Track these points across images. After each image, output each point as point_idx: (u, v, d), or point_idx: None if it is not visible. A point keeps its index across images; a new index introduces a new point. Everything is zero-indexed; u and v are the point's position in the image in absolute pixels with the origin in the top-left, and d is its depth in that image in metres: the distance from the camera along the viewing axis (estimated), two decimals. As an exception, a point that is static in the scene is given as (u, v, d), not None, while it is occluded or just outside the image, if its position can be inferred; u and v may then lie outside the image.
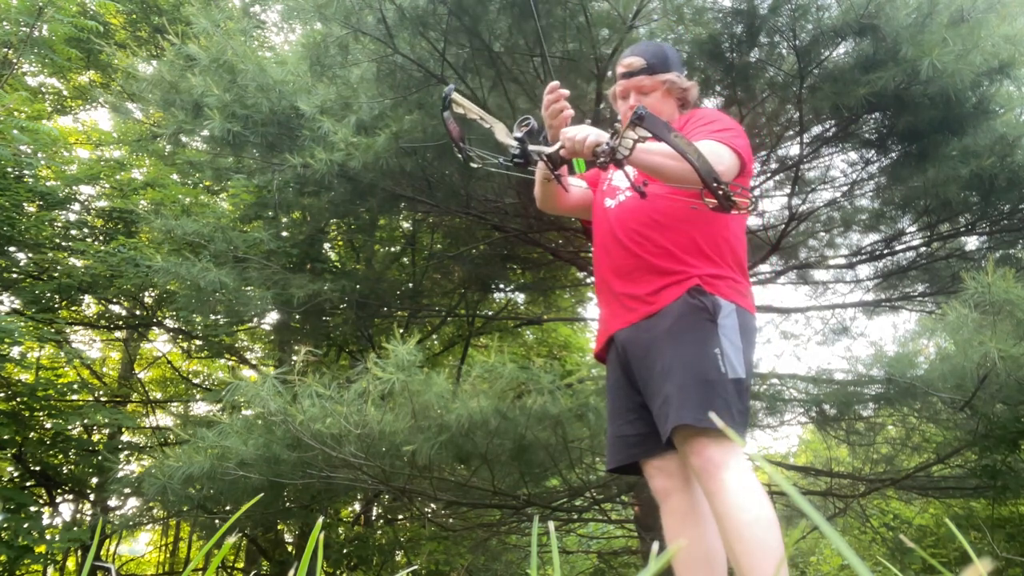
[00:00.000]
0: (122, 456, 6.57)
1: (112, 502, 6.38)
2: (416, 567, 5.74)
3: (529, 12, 3.62)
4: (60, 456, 6.01)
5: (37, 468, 5.95)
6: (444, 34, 3.73)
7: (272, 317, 6.36)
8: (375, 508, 7.41)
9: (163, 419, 8.19)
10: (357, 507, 7.52)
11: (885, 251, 4.92)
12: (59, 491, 6.54)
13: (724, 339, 1.73)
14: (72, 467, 6.23)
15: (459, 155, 1.92)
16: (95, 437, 6.82)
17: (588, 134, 1.73)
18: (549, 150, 1.83)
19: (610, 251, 1.95)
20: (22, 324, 5.18)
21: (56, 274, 5.99)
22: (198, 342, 7.44)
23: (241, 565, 8.00)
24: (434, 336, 7.06)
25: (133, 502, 6.13)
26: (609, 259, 1.95)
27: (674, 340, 1.74)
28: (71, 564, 7.17)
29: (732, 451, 1.65)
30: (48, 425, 5.71)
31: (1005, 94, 3.97)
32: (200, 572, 5.70)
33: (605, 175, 2.10)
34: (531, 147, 1.84)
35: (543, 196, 2.16)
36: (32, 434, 5.63)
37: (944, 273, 4.77)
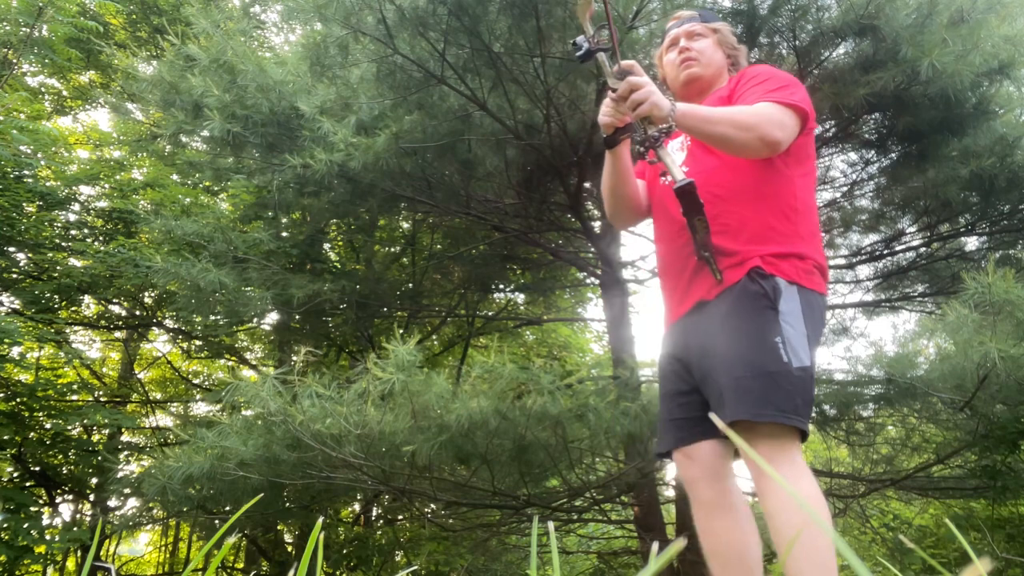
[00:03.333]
0: (122, 456, 6.57)
1: (112, 502, 6.38)
2: (416, 567, 5.74)
3: (529, 12, 3.62)
4: (60, 456, 6.01)
5: (37, 468, 5.94)
6: (444, 34, 3.73)
7: (272, 317, 6.35)
8: (375, 508, 7.41)
9: (163, 419, 8.19)
10: (357, 507, 7.51)
11: (885, 251, 4.92)
12: (59, 491, 6.53)
13: (786, 325, 1.61)
14: (72, 467, 6.22)
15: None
16: (95, 437, 6.81)
17: (650, 96, 1.60)
18: (612, 82, 1.68)
19: (668, 230, 1.86)
20: (22, 324, 5.18)
21: (56, 274, 5.99)
22: (198, 342, 7.44)
23: (241, 565, 7.99)
24: (434, 336, 7.06)
25: (133, 502, 6.12)
26: (669, 239, 1.86)
27: (732, 329, 1.65)
28: (71, 564, 7.17)
29: (784, 447, 1.56)
30: (48, 425, 5.71)
31: (1005, 94, 3.98)
32: (200, 572, 5.70)
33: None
34: (599, 52, 1.69)
35: (614, 202, 1.98)
36: (32, 434, 5.63)
37: (944, 273, 4.77)
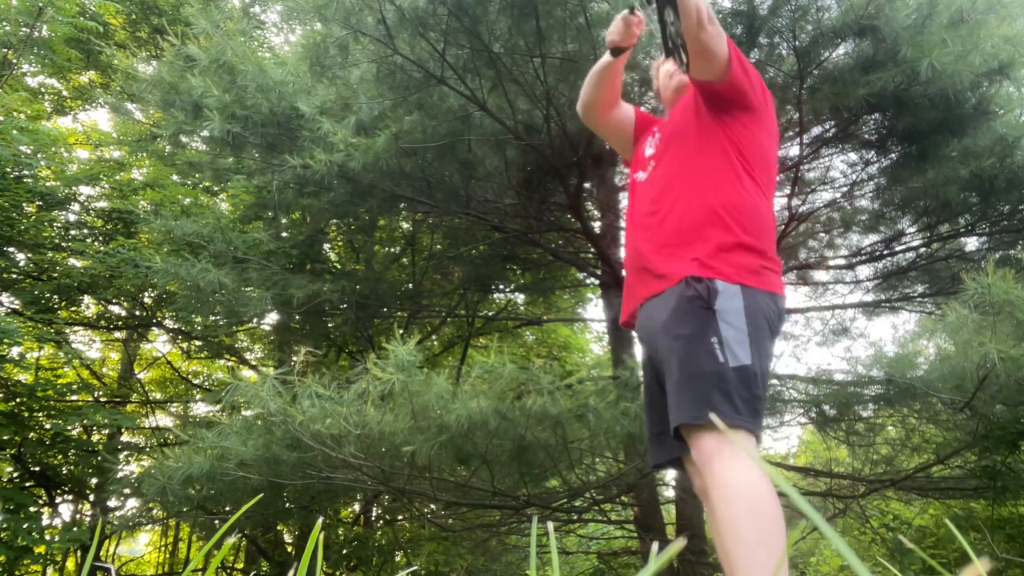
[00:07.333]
0: (122, 456, 6.56)
1: (112, 502, 6.38)
2: (416, 568, 5.74)
3: (529, 13, 3.62)
4: (60, 456, 6.01)
5: (37, 468, 5.94)
6: (444, 35, 3.73)
7: (272, 318, 6.36)
8: (375, 509, 7.41)
9: (163, 419, 8.19)
10: (357, 508, 7.51)
11: (885, 252, 4.92)
12: (59, 491, 6.53)
13: (723, 324, 1.64)
14: (72, 467, 6.22)
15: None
16: (95, 437, 6.81)
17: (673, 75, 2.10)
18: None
19: (633, 225, 1.98)
20: (22, 324, 5.18)
21: (56, 274, 5.99)
22: (198, 342, 7.44)
23: (241, 566, 8.00)
24: (434, 336, 7.06)
25: (133, 503, 6.12)
26: (632, 234, 1.98)
27: (670, 337, 1.71)
28: (71, 564, 7.17)
29: (725, 441, 1.59)
30: (48, 425, 5.71)
31: (1005, 95, 3.98)
32: (200, 572, 5.70)
33: (643, 143, 2.11)
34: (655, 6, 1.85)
35: (591, 92, 2.14)
36: (32, 434, 5.63)
37: (944, 274, 4.77)
